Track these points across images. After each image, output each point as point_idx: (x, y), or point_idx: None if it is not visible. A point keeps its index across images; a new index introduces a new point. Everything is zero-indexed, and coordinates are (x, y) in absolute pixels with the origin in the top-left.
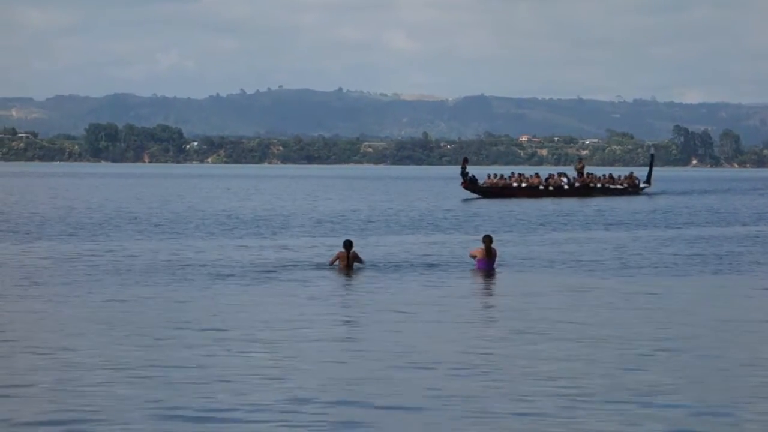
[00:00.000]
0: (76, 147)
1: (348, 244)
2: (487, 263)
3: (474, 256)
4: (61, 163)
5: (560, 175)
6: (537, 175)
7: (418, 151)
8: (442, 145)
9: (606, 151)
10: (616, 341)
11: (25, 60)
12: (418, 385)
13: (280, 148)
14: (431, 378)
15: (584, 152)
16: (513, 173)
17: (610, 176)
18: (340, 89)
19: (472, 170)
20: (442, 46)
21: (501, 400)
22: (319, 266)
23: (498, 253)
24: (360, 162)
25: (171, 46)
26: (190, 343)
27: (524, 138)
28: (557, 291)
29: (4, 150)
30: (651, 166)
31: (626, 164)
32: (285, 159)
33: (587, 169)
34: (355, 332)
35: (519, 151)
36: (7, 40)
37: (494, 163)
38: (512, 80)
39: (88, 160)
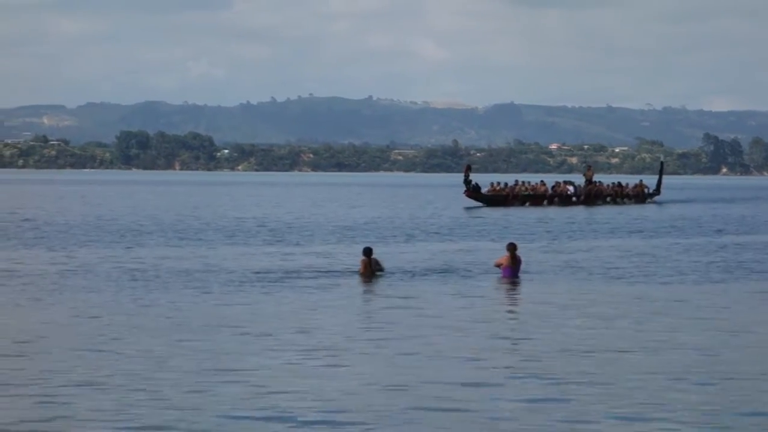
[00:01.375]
0: (107, 154)
1: (368, 251)
2: (513, 271)
3: (499, 265)
4: (93, 170)
5: (566, 183)
6: (542, 183)
7: (448, 159)
8: (472, 152)
9: (636, 159)
10: (649, 348)
11: (56, 68)
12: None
13: (311, 155)
14: (460, 394)
15: (614, 160)
16: (517, 181)
17: (619, 184)
18: (370, 97)
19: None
20: (472, 54)
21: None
22: (335, 273)
23: (522, 261)
24: (390, 170)
25: (201, 54)
26: (212, 348)
27: (554, 146)
28: (585, 300)
29: (36, 157)
30: (660, 174)
31: (655, 172)
32: (315, 166)
33: (595, 177)
34: (381, 342)
35: (549, 159)
36: (39, 48)
37: (524, 171)
38: (542, 88)
39: (119, 168)
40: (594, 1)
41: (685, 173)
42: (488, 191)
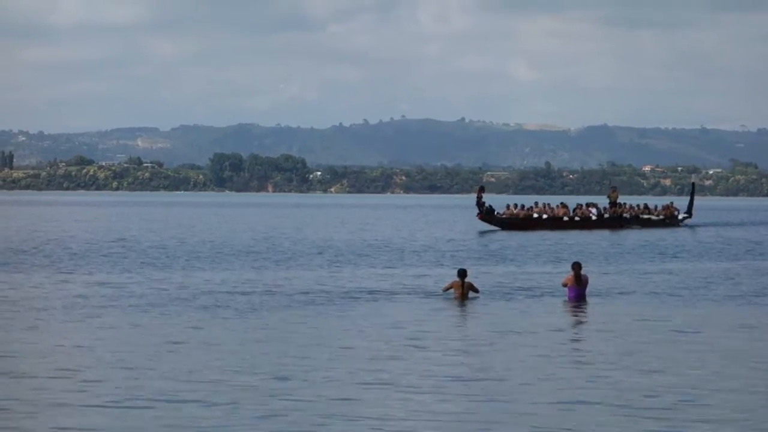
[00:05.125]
0: (201, 176)
1: (462, 273)
2: (578, 290)
3: (566, 284)
4: (186, 192)
5: (589, 205)
6: (563, 204)
7: (540, 181)
8: (564, 174)
9: (730, 181)
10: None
11: (150, 90)
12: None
13: (403, 177)
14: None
15: (708, 182)
16: (536, 203)
17: (645, 206)
18: (463, 119)
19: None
20: (565, 76)
21: None
22: (431, 294)
23: (588, 280)
24: None
25: (294, 76)
26: (307, 375)
27: (647, 168)
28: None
29: (130, 180)
30: (692, 196)
31: (750, 194)
32: (407, 189)
33: (621, 199)
34: (471, 364)
35: (642, 181)
36: (133, 70)
37: None
38: (635, 109)
39: (213, 190)
40: (688, 21)
41: None
42: (504, 214)
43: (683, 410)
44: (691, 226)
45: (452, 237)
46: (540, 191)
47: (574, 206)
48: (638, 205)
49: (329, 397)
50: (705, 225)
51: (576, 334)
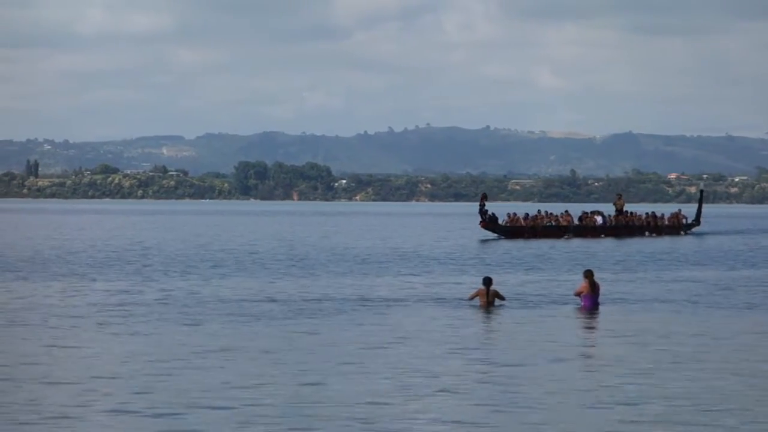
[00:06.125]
0: (226, 185)
1: (488, 281)
2: (593, 298)
3: (579, 293)
4: (211, 200)
5: (594, 213)
6: (567, 213)
7: (565, 189)
8: (589, 182)
9: (756, 188)
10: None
11: (175, 99)
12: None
13: (428, 185)
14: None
15: (733, 189)
16: (539, 211)
17: (653, 214)
18: (488, 127)
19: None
20: (590, 83)
21: None
22: (455, 302)
23: (601, 287)
24: (507, 200)
25: (319, 84)
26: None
27: (673, 175)
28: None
29: (155, 188)
30: (700, 203)
31: None
32: (432, 197)
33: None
34: (497, 372)
35: (667, 188)
36: (159, 78)
37: (642, 200)
38: (660, 117)
39: (238, 198)
40: (712, 28)
41: None
42: (506, 222)
43: (699, 421)
44: (698, 234)
45: (452, 244)
46: (565, 199)
47: (579, 214)
48: (647, 214)
49: (356, 404)
50: (714, 233)
51: (600, 344)
